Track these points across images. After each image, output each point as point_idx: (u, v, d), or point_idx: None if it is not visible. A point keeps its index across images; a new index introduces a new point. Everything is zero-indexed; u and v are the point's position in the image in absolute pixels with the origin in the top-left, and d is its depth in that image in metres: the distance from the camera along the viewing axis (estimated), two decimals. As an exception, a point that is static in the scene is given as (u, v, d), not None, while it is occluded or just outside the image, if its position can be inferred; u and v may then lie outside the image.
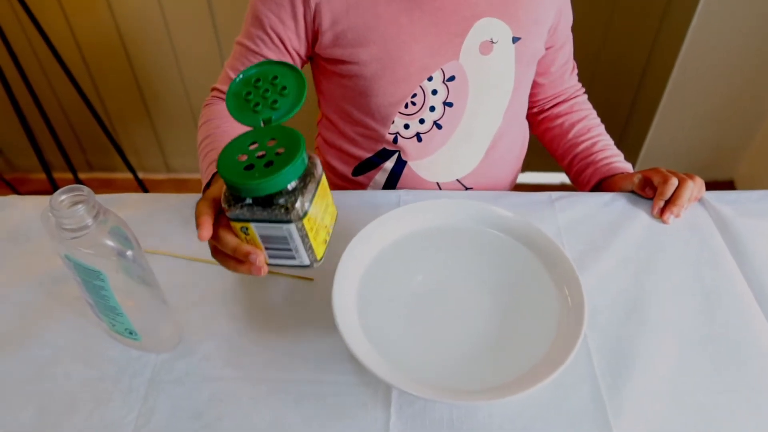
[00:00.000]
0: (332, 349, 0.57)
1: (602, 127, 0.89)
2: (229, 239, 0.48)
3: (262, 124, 0.47)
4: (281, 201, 0.43)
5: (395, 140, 0.79)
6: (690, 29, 1.54)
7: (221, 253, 0.50)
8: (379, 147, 0.81)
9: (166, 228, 0.71)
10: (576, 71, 0.91)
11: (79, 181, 1.80)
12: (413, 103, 0.75)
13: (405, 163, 0.81)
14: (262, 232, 0.46)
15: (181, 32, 1.65)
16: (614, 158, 0.84)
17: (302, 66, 0.77)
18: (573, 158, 0.88)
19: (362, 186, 0.86)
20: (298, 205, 0.44)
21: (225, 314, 0.62)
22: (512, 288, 0.61)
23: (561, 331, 0.55)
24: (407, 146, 0.79)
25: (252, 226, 0.45)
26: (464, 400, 0.50)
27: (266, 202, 0.44)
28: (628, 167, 0.83)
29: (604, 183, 0.83)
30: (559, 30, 0.81)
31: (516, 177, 0.95)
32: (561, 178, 1.96)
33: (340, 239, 0.62)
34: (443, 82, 0.74)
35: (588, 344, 0.58)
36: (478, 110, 0.78)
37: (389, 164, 0.82)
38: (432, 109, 0.76)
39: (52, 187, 1.58)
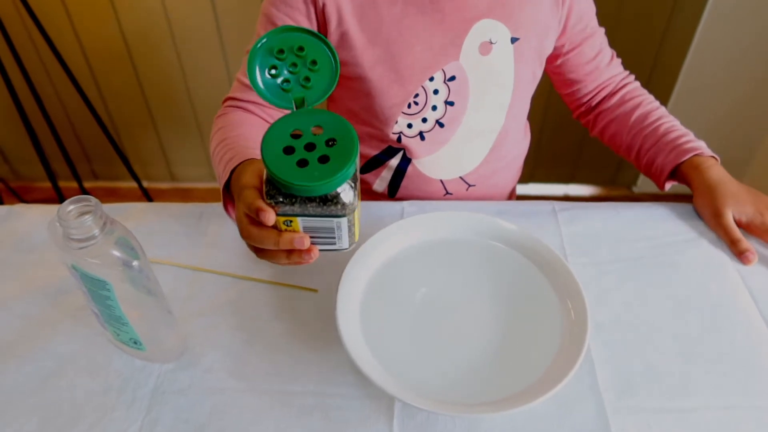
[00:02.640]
0: (336, 361, 0.57)
1: (663, 109, 0.84)
2: (267, 234, 0.46)
3: (293, 106, 0.43)
4: (336, 197, 0.41)
5: (399, 139, 0.80)
6: (693, 42, 1.54)
7: (265, 251, 0.48)
8: (385, 145, 0.82)
9: (171, 238, 0.71)
10: (615, 60, 0.87)
11: (84, 190, 1.81)
12: (416, 103, 0.77)
13: (410, 160, 0.83)
14: (308, 224, 0.43)
15: (187, 42, 1.66)
16: (682, 139, 0.78)
17: None
18: (639, 151, 0.83)
19: (369, 183, 0.87)
20: (350, 199, 0.41)
21: (229, 325, 0.62)
22: (515, 301, 0.61)
23: (564, 344, 0.55)
24: (411, 145, 0.81)
25: (298, 219, 0.43)
26: (466, 412, 0.50)
27: (320, 198, 0.41)
28: (700, 146, 0.77)
29: (681, 173, 0.78)
30: (570, 25, 0.80)
31: (518, 176, 0.96)
32: (564, 189, 1.97)
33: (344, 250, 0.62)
34: (444, 82, 0.76)
35: (592, 358, 0.58)
36: (479, 109, 0.79)
37: (394, 161, 0.83)
38: (434, 108, 0.77)
39: (57, 195, 1.59)
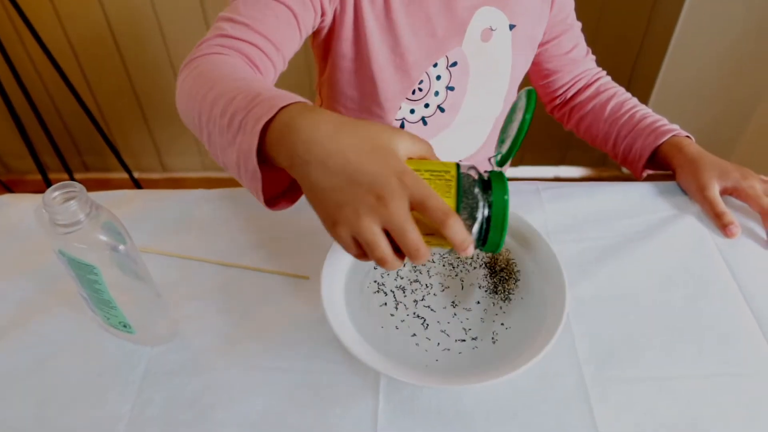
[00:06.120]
0: (323, 340, 0.59)
1: (636, 99, 0.87)
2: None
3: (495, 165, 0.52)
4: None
5: (402, 125, 0.81)
6: (675, 32, 1.55)
7: (386, 260, 0.42)
8: None
9: (160, 224, 0.72)
10: (590, 55, 0.90)
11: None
12: (420, 89, 0.77)
13: None
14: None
15: (174, 32, 1.66)
16: (658, 123, 0.82)
17: (305, 34, 0.67)
18: (616, 139, 0.86)
19: None
20: None
21: (219, 309, 0.63)
22: (495, 275, 0.62)
23: (544, 317, 0.56)
24: (412, 130, 0.81)
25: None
26: (449, 384, 0.52)
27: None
28: (676, 127, 0.81)
29: (661, 154, 0.80)
30: (553, 14, 0.82)
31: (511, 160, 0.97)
32: (554, 172, 1.98)
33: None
34: (447, 67, 0.77)
35: (573, 332, 0.59)
36: (478, 94, 0.81)
37: None
38: (436, 93, 0.78)
39: (47, 188, 1.59)
